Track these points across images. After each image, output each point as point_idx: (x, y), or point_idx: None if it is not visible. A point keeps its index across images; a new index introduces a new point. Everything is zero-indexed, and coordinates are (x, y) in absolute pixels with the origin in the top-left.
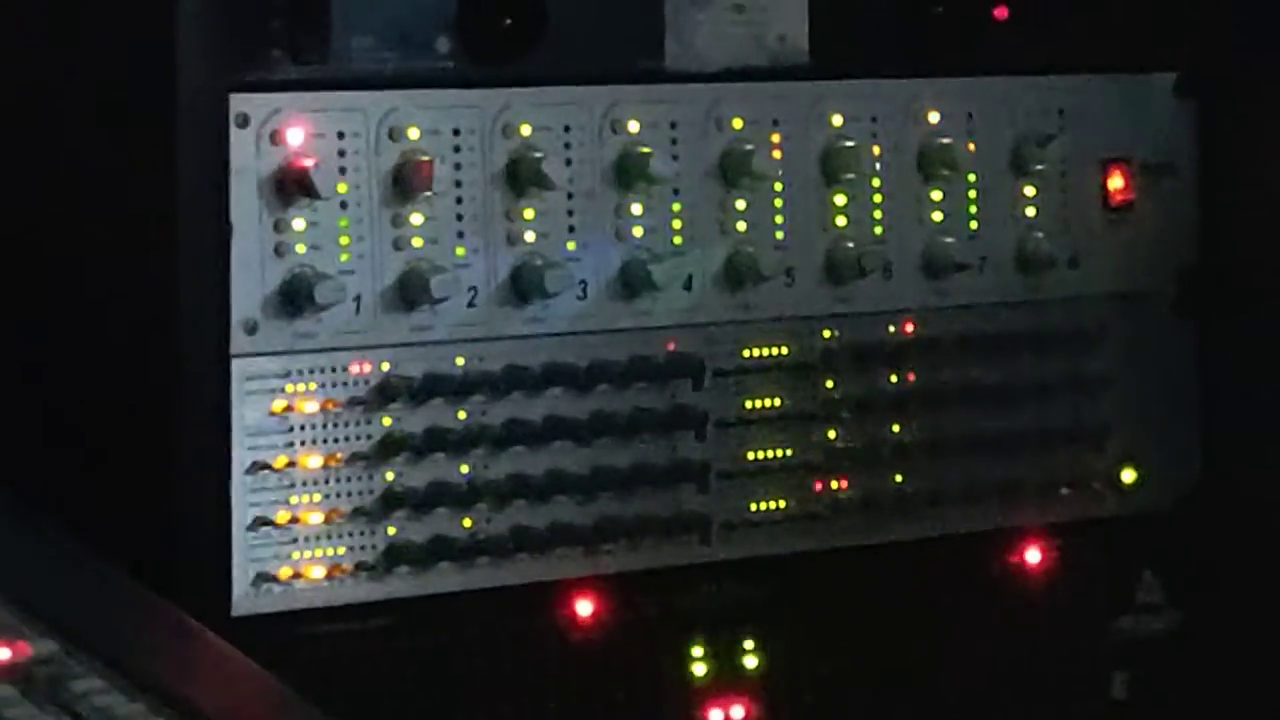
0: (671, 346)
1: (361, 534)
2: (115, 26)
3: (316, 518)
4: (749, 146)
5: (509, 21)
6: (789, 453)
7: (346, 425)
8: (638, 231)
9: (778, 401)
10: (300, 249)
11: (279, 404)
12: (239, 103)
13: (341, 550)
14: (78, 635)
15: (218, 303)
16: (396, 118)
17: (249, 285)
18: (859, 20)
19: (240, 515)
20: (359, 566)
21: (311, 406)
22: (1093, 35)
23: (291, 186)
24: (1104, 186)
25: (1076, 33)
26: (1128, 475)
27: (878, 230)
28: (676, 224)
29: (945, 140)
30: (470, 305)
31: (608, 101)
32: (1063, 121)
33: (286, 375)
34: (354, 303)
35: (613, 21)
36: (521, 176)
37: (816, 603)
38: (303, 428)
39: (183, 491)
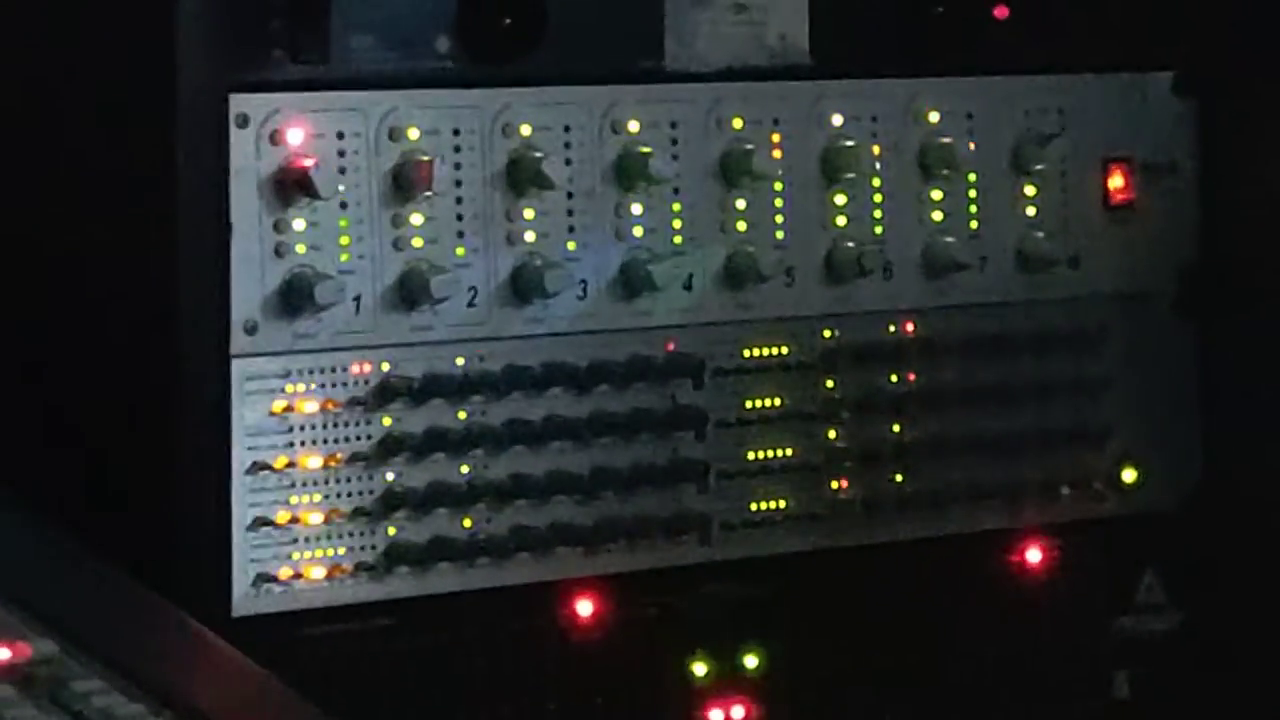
0: (671, 346)
1: (361, 534)
2: (115, 27)
3: (317, 518)
4: (749, 146)
5: (509, 21)
6: (789, 453)
7: (346, 425)
8: (638, 231)
9: (778, 401)
10: (300, 249)
11: (279, 404)
12: (239, 103)
13: (342, 550)
14: (78, 636)
15: (218, 303)
16: (396, 118)
17: (249, 285)
18: (859, 20)
19: (240, 515)
20: (359, 567)
21: (311, 407)
22: (1093, 35)
23: (291, 186)
24: (1104, 186)
25: (1076, 32)
26: (1128, 475)
27: (878, 230)
28: (676, 224)
29: (945, 140)
30: (470, 305)
31: (608, 101)
32: (1063, 121)
33: (286, 375)
34: (354, 303)
35: (613, 21)
36: (521, 176)
37: (817, 603)
38: (303, 428)
39: (183, 492)
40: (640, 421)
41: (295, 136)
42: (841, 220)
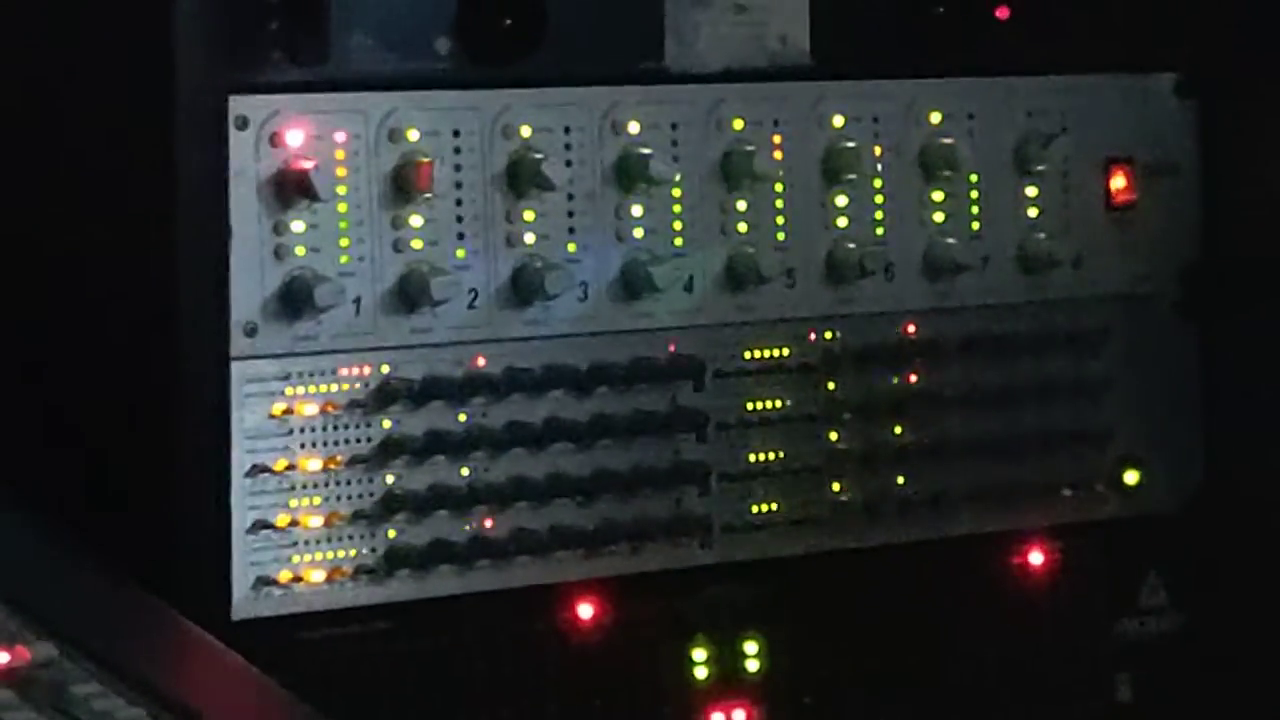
0: (672, 348)
1: (362, 537)
2: (114, 28)
3: (316, 521)
4: (750, 147)
5: (509, 22)
6: (790, 455)
7: (346, 428)
8: (638, 233)
9: (779, 403)
10: (300, 251)
11: (279, 407)
12: (238, 104)
13: (341, 553)
14: (77, 639)
15: (217, 305)
16: (396, 119)
17: (248, 288)
18: (860, 20)
19: (240, 518)
20: (359, 570)
21: (311, 409)
22: (1094, 35)
23: (291, 188)
24: (1106, 187)
25: (1078, 33)
26: (1130, 477)
27: (879, 231)
28: (677, 225)
29: (947, 140)
30: (470, 307)
31: (608, 102)
32: (1064, 122)
33: (286, 378)
34: (354, 305)
35: (613, 22)
36: (522, 178)
37: (818, 605)
38: (302, 430)
39: (182, 494)
40: (641, 424)
41: (295, 138)
42: (842, 221)
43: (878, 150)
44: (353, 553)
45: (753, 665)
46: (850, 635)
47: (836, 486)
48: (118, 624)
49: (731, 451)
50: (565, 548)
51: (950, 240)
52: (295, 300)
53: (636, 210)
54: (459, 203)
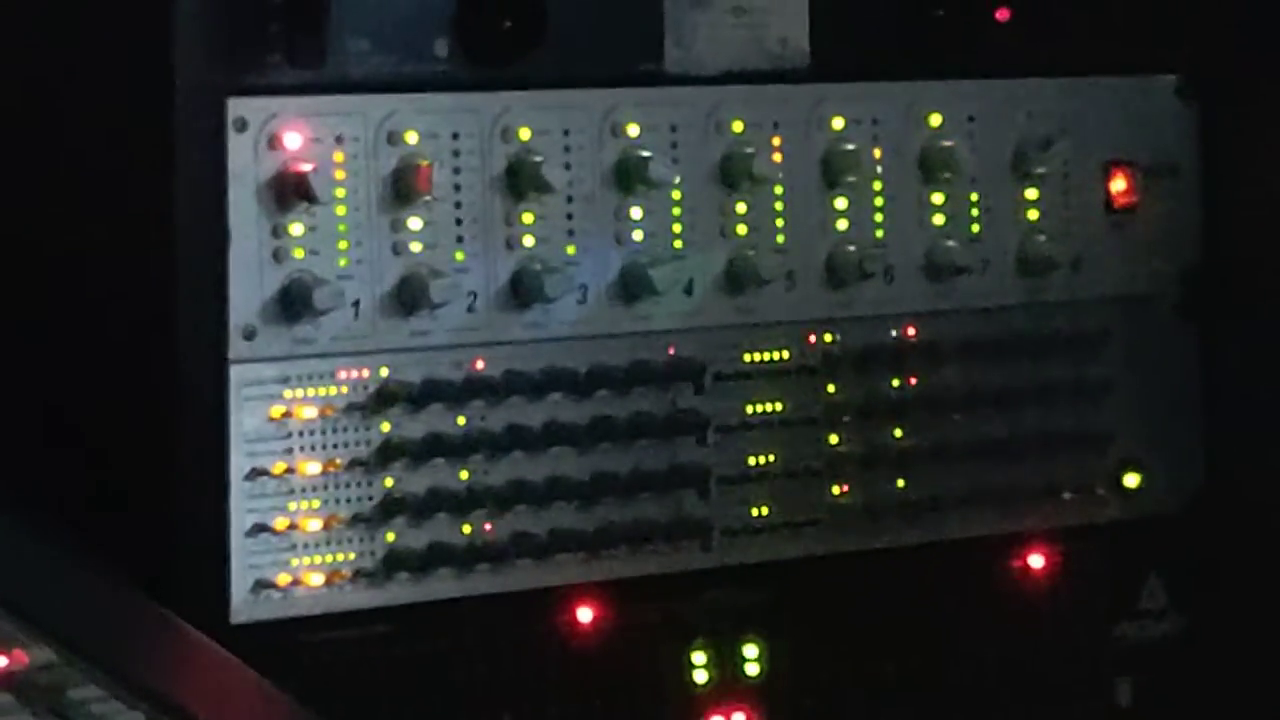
0: (672, 351)
1: (361, 540)
2: (113, 30)
3: (315, 524)
4: (749, 149)
5: (508, 24)
6: (790, 457)
7: (345, 431)
8: (638, 235)
9: (779, 406)
10: (298, 254)
11: (277, 410)
12: (237, 107)
13: (340, 557)
14: (75, 643)
15: (216, 308)
16: (395, 121)
17: (247, 290)
18: (860, 22)
19: (239, 522)
20: (358, 573)
21: (310, 412)
22: (1094, 37)
23: (290, 191)
24: (1106, 189)
25: (1078, 35)
26: (1131, 479)
27: (879, 233)
28: (677, 228)
29: (947, 143)
30: (469, 310)
31: (607, 105)
32: (1065, 124)
33: (285, 381)
34: (353, 308)
35: (612, 24)
36: (521, 180)
37: (818, 609)
38: (301, 433)
39: (181, 497)
40: (640, 426)
41: (293, 141)
42: (842, 224)
43: (877, 152)
44: (352, 556)
45: (753, 668)
46: (850, 638)
47: (836, 489)
48: (116, 628)
49: (731, 454)
50: (565, 551)
51: (950, 242)
52: (294, 303)
53: (636, 213)
54: (458, 205)
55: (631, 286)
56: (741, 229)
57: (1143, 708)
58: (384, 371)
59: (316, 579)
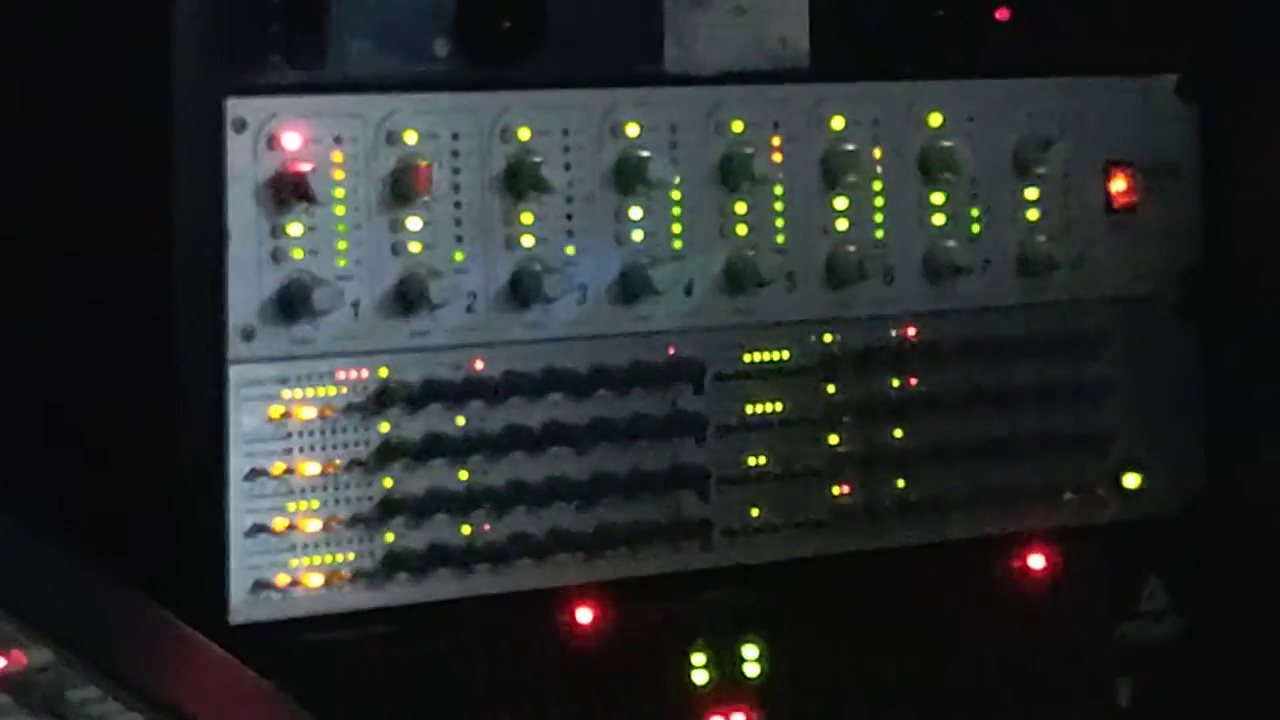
0: (672, 351)
1: (360, 541)
2: (112, 30)
3: (314, 525)
4: (749, 150)
5: (508, 24)
6: (790, 458)
7: (344, 431)
8: (637, 235)
9: (779, 406)
10: (297, 254)
11: (276, 410)
12: (236, 107)
13: (340, 557)
14: (74, 643)
15: (215, 308)
16: (394, 122)
17: (246, 291)
18: (860, 22)
19: (238, 522)
20: (357, 574)
21: (309, 413)
22: (1094, 37)
23: (289, 191)
24: (1106, 189)
25: (1078, 35)
26: (1131, 480)
27: (879, 234)
28: (676, 228)
29: (947, 143)
30: (469, 310)
31: (607, 105)
32: (1065, 124)
33: (284, 381)
34: (352, 308)
35: (612, 24)
36: (520, 180)
37: (818, 609)
38: (300, 434)
39: (180, 498)
40: (640, 427)
41: (292, 141)
42: (842, 224)
43: (877, 152)
44: (351, 556)
45: (753, 669)
46: (850, 639)
47: (836, 490)
48: (115, 628)
49: (731, 455)
50: (564, 551)
51: (950, 243)
52: (293, 303)
53: (636, 213)
54: (457, 205)
55: (631, 287)
56: (741, 229)
57: (1143, 708)
58: (383, 372)
59: (316, 579)
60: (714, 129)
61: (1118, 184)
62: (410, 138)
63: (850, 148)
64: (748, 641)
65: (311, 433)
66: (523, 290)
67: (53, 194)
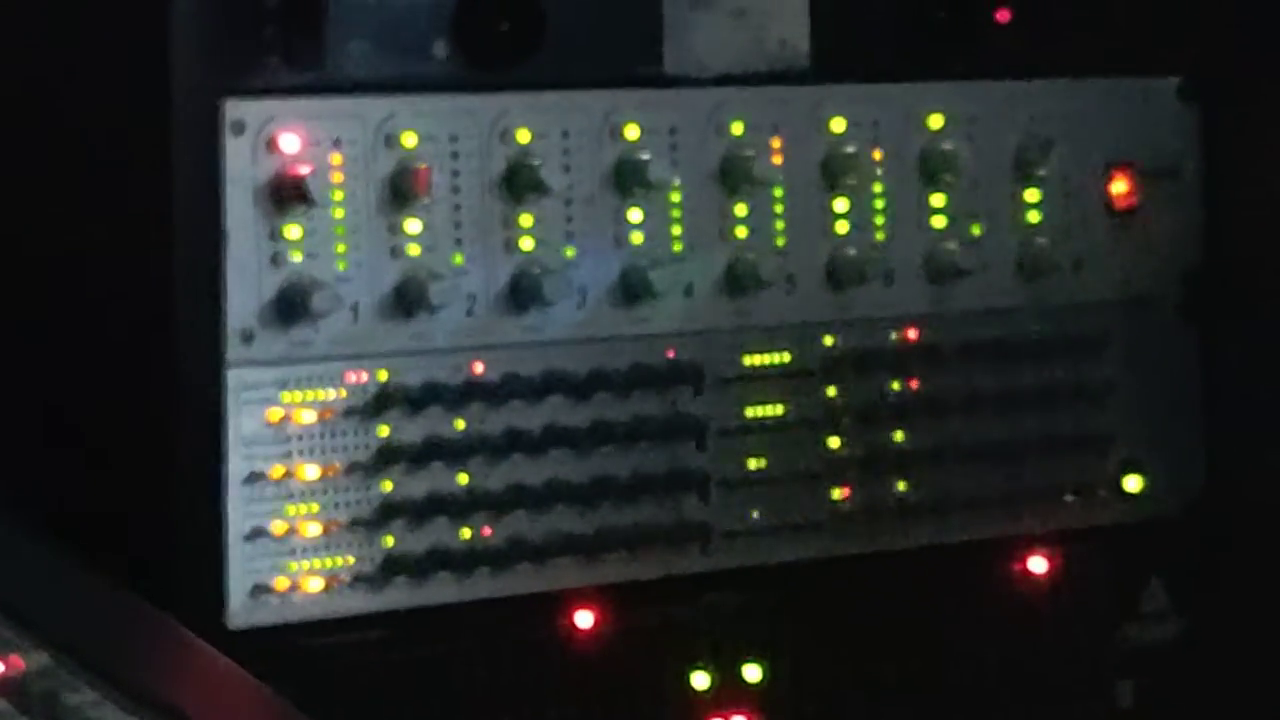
0: (671, 354)
1: (359, 545)
2: (110, 31)
3: (314, 528)
4: (749, 152)
5: (507, 26)
6: (790, 461)
7: (344, 435)
8: (637, 238)
9: (779, 409)
10: (296, 257)
11: (275, 413)
12: (234, 109)
13: (339, 561)
14: (72, 647)
15: (213, 311)
16: (393, 124)
17: (245, 294)
18: (860, 24)
19: (236, 526)
20: (357, 578)
21: (308, 416)
22: (1095, 39)
23: (287, 194)
24: (1107, 191)
25: (1079, 36)
26: (1132, 482)
27: (879, 236)
28: (676, 230)
29: (947, 145)
30: (468, 313)
31: (607, 107)
32: (1065, 126)
33: (283, 384)
34: (351, 311)
35: (611, 26)
36: (520, 183)
37: (819, 613)
38: (299, 437)
39: (178, 501)
40: (640, 430)
41: (291, 143)
42: (843, 226)
43: (878, 154)
44: (350, 560)
45: (753, 672)
46: (851, 642)
47: (837, 493)
48: (113, 632)
49: (731, 457)
50: (564, 555)
51: (951, 245)
52: (292, 306)
53: (635, 215)
54: (457, 208)
55: (631, 289)
56: (741, 231)
57: (1144, 710)
58: (382, 375)
59: (315, 583)
60: (714, 131)
61: (1119, 186)
62: (409, 140)
63: (850, 150)
64: (748, 645)
65: (311, 436)
66: (522, 293)
67: (52, 196)
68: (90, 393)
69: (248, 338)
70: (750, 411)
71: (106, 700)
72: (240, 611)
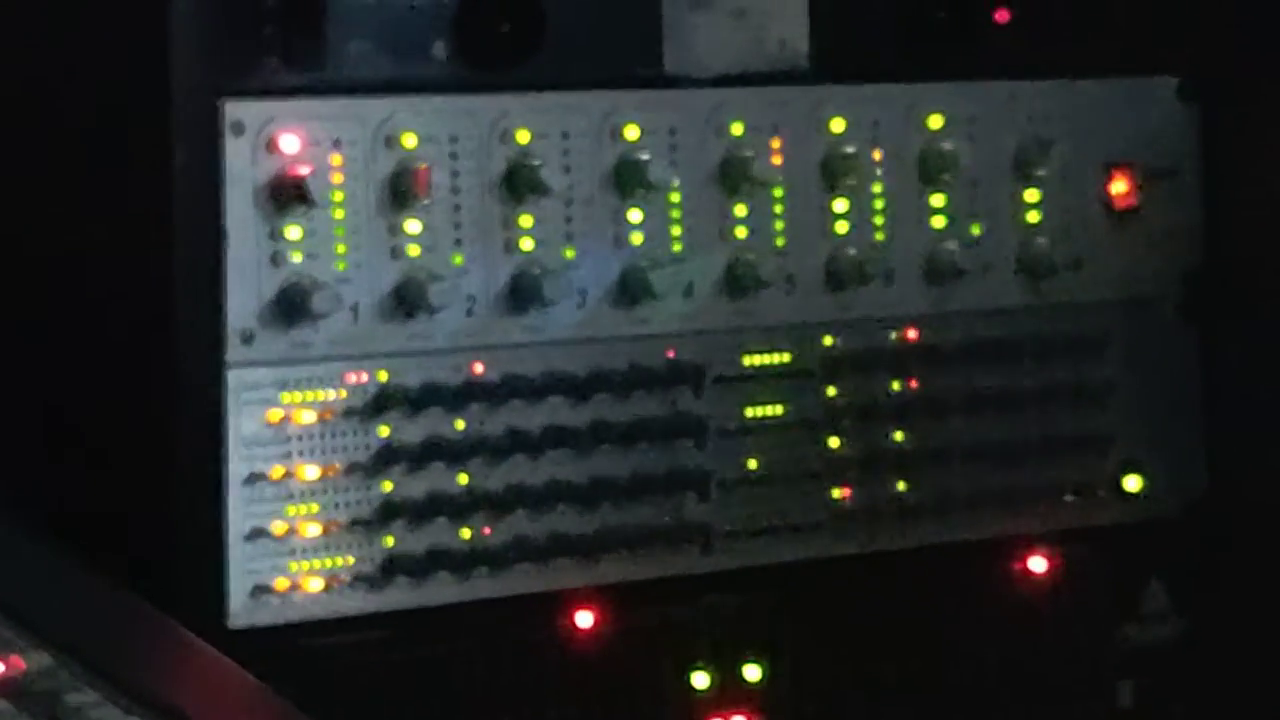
0: (671, 354)
1: (359, 545)
2: (109, 33)
3: (314, 529)
4: (749, 152)
5: (507, 27)
6: (790, 461)
7: (344, 435)
8: (637, 238)
9: (779, 409)
10: (296, 257)
11: (275, 414)
12: (234, 110)
13: (339, 561)
14: (73, 648)
15: (213, 312)
16: (393, 124)
17: (245, 294)
18: (859, 24)
19: (237, 526)
20: (357, 578)
21: (308, 416)
22: (1095, 39)
23: (287, 194)
24: (1107, 191)
25: (1078, 36)
26: (1132, 482)
27: (879, 236)
28: (676, 230)
29: (947, 145)
30: (468, 314)
31: (606, 107)
32: (1065, 126)
33: (283, 385)
34: (351, 312)
35: (611, 26)
36: (519, 183)
37: (819, 612)
38: (300, 438)
39: (179, 502)
40: (640, 430)
41: (290, 144)
42: (842, 226)
43: (877, 155)
44: (350, 560)
45: (753, 672)
46: (851, 642)
47: (837, 492)
48: (114, 632)
49: (731, 458)
50: (564, 555)
51: (951, 245)
52: (292, 307)
53: (635, 216)
54: (456, 208)
55: (631, 290)
56: (741, 232)
57: (1144, 710)
58: (382, 375)
59: (315, 584)
60: (714, 131)
61: (1118, 186)
62: (409, 140)
63: (850, 150)
64: (748, 645)
65: (311, 436)
66: (522, 293)
67: (52, 196)
68: (90, 393)
69: (248, 338)
70: (750, 411)
71: (107, 700)
72: (241, 612)
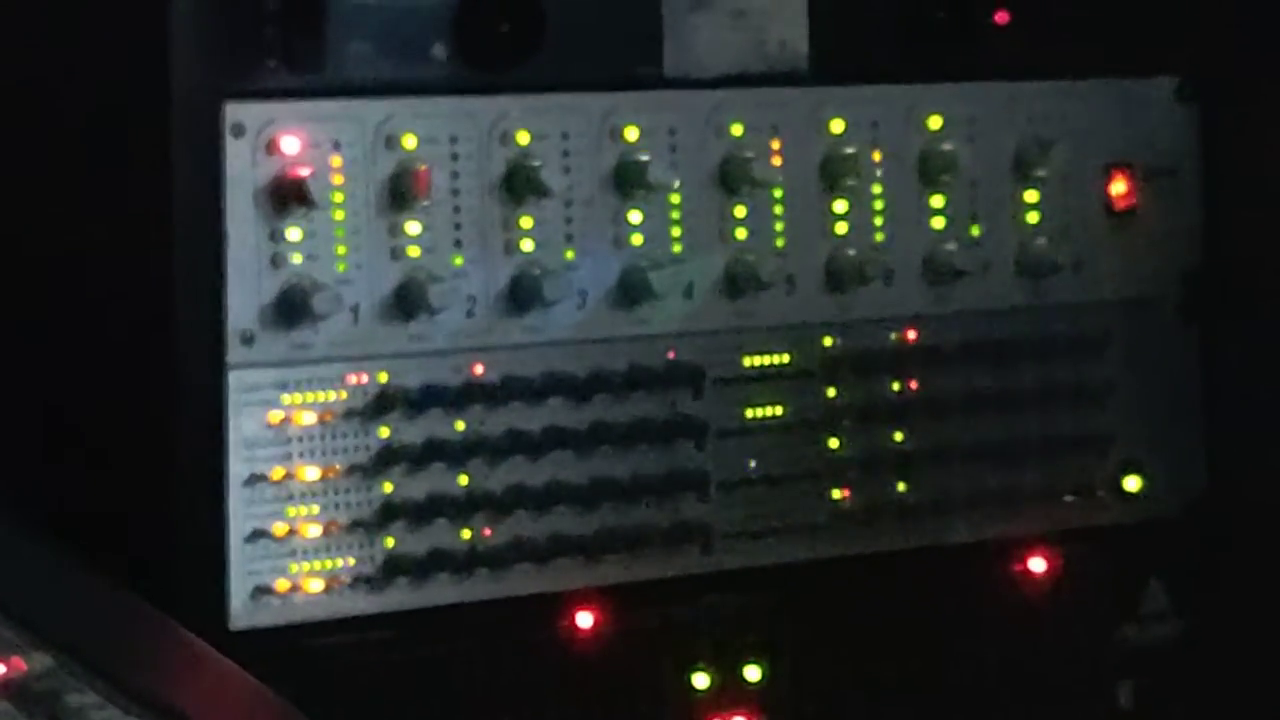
0: (671, 355)
1: (360, 546)
2: (109, 35)
3: (314, 530)
4: (749, 153)
5: (507, 28)
6: (790, 461)
7: (344, 436)
8: (637, 239)
9: (779, 410)
10: (297, 259)
11: (276, 415)
12: (234, 112)
13: (340, 562)
14: (74, 649)
15: (214, 313)
16: (393, 126)
17: (245, 296)
18: (859, 25)
19: (238, 527)
20: (357, 579)
21: (309, 418)
22: (1094, 39)
23: (287, 196)
24: (1106, 191)
25: (1078, 37)
26: (1132, 482)
27: (879, 237)
28: (676, 231)
29: (946, 146)
30: (468, 315)
31: (606, 108)
32: (1064, 126)
33: (283, 386)
34: (351, 313)
35: (611, 27)
36: (519, 184)
37: (819, 613)
38: (300, 439)
39: (179, 504)
40: (640, 431)
41: (291, 145)
42: (842, 227)
43: (877, 156)
44: (351, 561)
45: (753, 673)
46: (851, 642)
47: (837, 493)
48: (115, 634)
49: (731, 459)
50: (564, 556)
51: (950, 245)
52: (292, 308)
53: (635, 217)
54: (456, 210)
55: (631, 291)
56: (741, 233)
57: (1144, 710)
58: (383, 376)
59: (316, 585)
60: (713, 132)
61: (1118, 186)
62: (409, 142)
63: (850, 151)
64: (748, 646)
65: (311, 438)
66: (522, 294)
67: (52, 196)
68: (90, 394)
69: (248, 339)
70: (750, 412)
71: (108, 701)
72: (241, 612)
